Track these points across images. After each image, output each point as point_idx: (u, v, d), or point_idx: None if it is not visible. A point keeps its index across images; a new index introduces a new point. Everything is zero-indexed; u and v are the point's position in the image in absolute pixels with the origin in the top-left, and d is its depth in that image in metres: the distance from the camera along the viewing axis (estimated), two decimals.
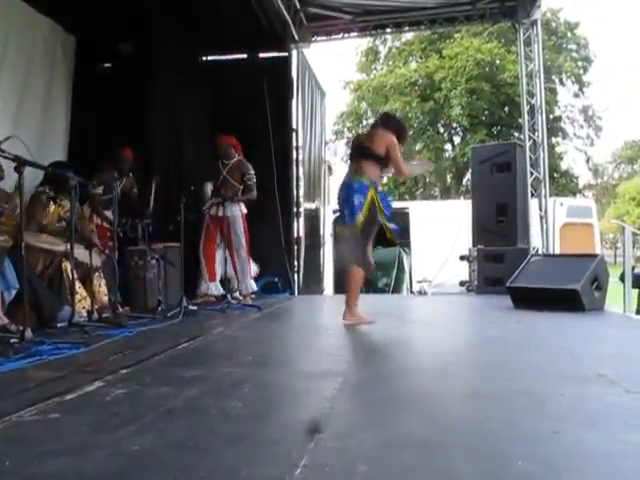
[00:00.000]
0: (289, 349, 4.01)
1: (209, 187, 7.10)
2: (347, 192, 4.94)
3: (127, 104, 7.37)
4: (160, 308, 5.82)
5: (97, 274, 5.45)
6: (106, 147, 6.57)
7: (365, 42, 29.32)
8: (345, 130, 30.40)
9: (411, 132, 28.65)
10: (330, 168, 13.60)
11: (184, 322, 5.25)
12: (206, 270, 7.03)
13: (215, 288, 7.04)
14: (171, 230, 6.23)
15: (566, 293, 5.77)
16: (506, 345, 3.99)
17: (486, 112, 27.91)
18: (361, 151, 5.06)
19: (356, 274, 5.02)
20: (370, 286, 11.91)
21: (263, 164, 7.87)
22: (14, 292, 4.32)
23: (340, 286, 11.84)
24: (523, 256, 7.18)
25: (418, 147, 28.83)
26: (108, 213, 6.24)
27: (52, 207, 5.39)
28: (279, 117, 8.55)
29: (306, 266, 9.12)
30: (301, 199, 9.03)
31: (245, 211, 7.06)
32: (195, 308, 6.07)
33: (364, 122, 30.09)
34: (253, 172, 7.09)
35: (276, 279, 8.46)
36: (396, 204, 19.56)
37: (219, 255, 7.03)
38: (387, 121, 5.27)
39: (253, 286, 7.20)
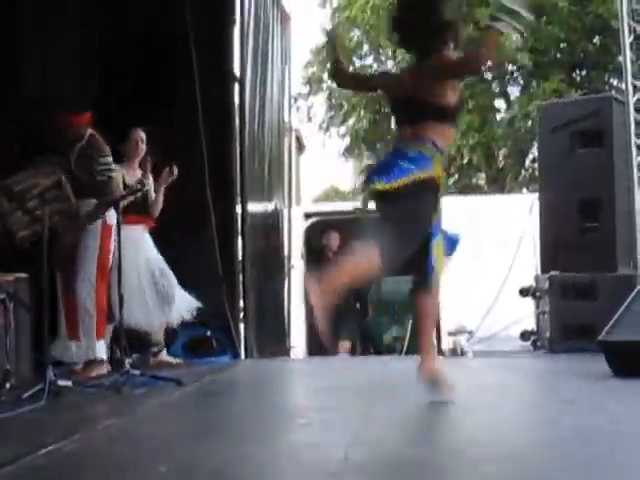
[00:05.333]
0: (232, 455, 2.90)
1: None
2: (393, 155, 3.66)
3: None
4: (8, 384, 4.42)
5: None
6: None
7: None
8: (324, 76, 18.12)
9: None
10: (300, 141, 10.78)
11: (50, 409, 4.01)
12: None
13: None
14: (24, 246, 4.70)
15: None
16: (597, 444, 2.85)
17: (563, 44, 18.88)
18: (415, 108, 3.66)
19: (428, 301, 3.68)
20: (369, 343, 9.04)
21: (184, 137, 5.78)
22: None
23: (318, 344, 8.52)
24: (626, 288, 5.47)
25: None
26: None
27: None
28: (211, 56, 6.09)
29: (260, 310, 6.83)
30: (248, 196, 6.55)
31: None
32: (69, 384, 4.59)
33: (357, 62, 19.64)
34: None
35: (209, 332, 6.16)
36: None
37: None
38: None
39: (98, 351, 5.05)
